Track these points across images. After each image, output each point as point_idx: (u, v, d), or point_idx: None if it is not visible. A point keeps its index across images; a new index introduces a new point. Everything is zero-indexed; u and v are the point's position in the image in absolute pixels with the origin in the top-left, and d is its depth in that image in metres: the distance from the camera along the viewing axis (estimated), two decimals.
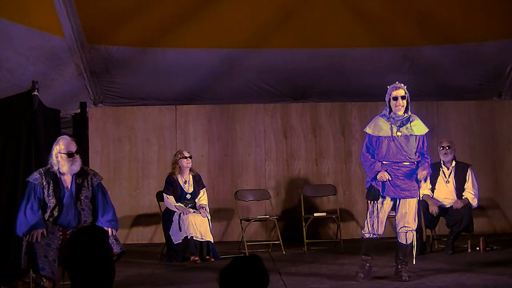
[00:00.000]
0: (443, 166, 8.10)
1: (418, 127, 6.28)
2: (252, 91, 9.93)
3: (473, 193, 8.01)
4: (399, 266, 6.25)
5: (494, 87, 10.07)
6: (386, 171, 6.16)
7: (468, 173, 8.06)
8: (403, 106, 6.22)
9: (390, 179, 6.15)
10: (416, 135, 6.24)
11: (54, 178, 5.84)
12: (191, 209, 8.03)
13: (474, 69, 9.76)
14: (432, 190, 8.07)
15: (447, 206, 8.02)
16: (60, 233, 5.76)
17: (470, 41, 9.46)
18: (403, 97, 6.21)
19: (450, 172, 8.08)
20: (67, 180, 5.90)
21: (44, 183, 5.80)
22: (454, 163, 8.12)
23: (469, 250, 8.01)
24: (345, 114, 9.83)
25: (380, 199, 6.20)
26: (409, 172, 6.20)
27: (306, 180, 9.67)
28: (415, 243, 6.29)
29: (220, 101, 9.92)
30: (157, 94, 9.88)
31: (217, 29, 9.07)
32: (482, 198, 9.55)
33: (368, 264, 6.29)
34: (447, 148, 8.07)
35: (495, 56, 9.55)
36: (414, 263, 6.34)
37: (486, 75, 9.93)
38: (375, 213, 6.21)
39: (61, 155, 5.83)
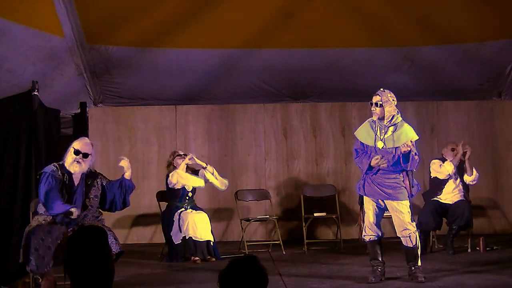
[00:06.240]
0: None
1: (404, 135, 6.06)
2: (252, 91, 9.92)
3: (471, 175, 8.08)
4: (412, 268, 6.19)
5: (494, 87, 10.07)
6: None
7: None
8: (377, 113, 6.13)
9: (385, 165, 6.00)
10: (397, 147, 6.03)
11: (68, 173, 5.94)
12: (193, 211, 8.01)
13: (474, 69, 9.76)
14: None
15: (451, 203, 8.02)
16: (62, 235, 5.77)
17: (470, 41, 9.46)
18: (376, 104, 6.14)
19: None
20: (77, 178, 5.99)
21: (59, 176, 5.87)
22: None
23: (469, 250, 8.01)
24: (345, 114, 9.83)
25: (366, 202, 6.16)
26: (393, 177, 6.08)
27: (306, 180, 9.67)
28: (419, 244, 6.23)
29: (220, 101, 9.92)
30: (157, 94, 9.87)
31: (217, 29, 9.07)
32: (482, 198, 9.60)
33: (379, 269, 6.20)
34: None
35: (495, 56, 9.55)
36: (419, 264, 6.26)
37: (486, 75, 9.92)
38: (366, 216, 6.23)
39: (71, 150, 5.94)
